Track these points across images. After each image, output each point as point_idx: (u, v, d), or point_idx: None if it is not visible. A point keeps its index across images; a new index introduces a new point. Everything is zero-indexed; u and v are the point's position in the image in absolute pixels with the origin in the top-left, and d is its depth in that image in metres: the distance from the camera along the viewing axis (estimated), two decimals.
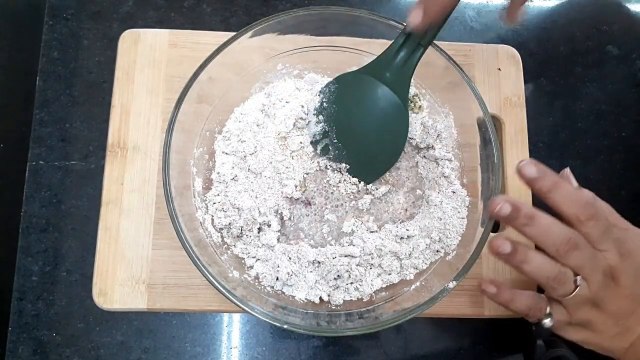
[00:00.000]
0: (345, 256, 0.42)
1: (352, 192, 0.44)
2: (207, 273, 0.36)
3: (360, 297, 0.41)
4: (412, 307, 0.37)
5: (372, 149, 0.44)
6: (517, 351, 0.46)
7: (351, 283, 0.41)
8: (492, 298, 0.40)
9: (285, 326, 0.35)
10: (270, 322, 0.36)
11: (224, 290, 0.36)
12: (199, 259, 0.37)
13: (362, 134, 0.44)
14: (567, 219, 0.37)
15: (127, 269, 0.44)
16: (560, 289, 0.37)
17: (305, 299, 0.41)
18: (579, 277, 0.37)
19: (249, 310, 0.36)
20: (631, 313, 0.38)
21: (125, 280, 0.43)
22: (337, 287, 0.41)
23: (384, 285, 0.42)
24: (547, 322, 0.39)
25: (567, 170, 0.41)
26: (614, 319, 0.38)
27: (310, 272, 0.41)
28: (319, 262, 0.41)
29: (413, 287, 0.41)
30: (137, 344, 0.46)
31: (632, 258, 0.38)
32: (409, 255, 0.42)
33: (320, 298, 0.41)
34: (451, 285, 0.37)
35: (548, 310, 0.39)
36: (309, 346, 0.47)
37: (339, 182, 0.44)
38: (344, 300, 0.41)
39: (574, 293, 0.37)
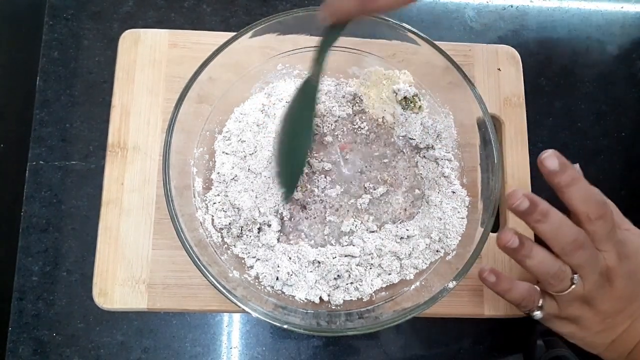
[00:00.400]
0: (345, 256, 0.42)
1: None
2: (207, 273, 0.36)
3: (360, 297, 0.41)
4: (412, 307, 0.37)
5: (291, 151, 0.39)
6: (517, 351, 0.47)
7: (351, 283, 0.41)
8: (490, 286, 0.40)
9: (285, 326, 0.35)
10: (270, 322, 0.36)
11: (224, 290, 0.36)
12: (199, 259, 0.37)
13: (287, 142, 0.39)
14: (577, 215, 0.37)
15: (127, 269, 0.44)
16: (557, 286, 0.37)
17: (305, 299, 0.41)
18: (575, 275, 0.37)
19: (249, 310, 0.36)
20: (619, 312, 0.39)
21: (125, 280, 0.43)
22: (337, 287, 0.41)
23: (384, 285, 0.42)
24: (537, 314, 0.40)
25: (577, 166, 0.41)
26: (601, 316, 0.39)
27: (310, 272, 0.41)
28: (319, 262, 0.41)
29: (413, 287, 0.41)
30: (137, 344, 0.46)
31: (629, 261, 0.38)
32: (409, 255, 0.42)
33: (320, 298, 0.41)
34: (451, 285, 0.37)
35: (540, 302, 0.40)
36: (309, 346, 0.47)
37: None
38: (344, 300, 0.41)
39: (568, 290, 0.37)
